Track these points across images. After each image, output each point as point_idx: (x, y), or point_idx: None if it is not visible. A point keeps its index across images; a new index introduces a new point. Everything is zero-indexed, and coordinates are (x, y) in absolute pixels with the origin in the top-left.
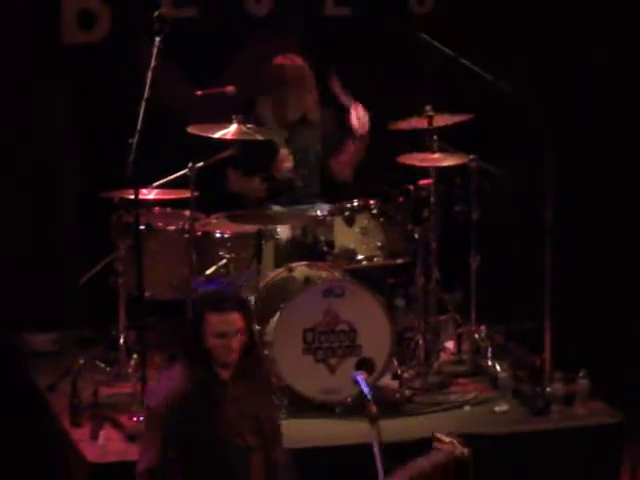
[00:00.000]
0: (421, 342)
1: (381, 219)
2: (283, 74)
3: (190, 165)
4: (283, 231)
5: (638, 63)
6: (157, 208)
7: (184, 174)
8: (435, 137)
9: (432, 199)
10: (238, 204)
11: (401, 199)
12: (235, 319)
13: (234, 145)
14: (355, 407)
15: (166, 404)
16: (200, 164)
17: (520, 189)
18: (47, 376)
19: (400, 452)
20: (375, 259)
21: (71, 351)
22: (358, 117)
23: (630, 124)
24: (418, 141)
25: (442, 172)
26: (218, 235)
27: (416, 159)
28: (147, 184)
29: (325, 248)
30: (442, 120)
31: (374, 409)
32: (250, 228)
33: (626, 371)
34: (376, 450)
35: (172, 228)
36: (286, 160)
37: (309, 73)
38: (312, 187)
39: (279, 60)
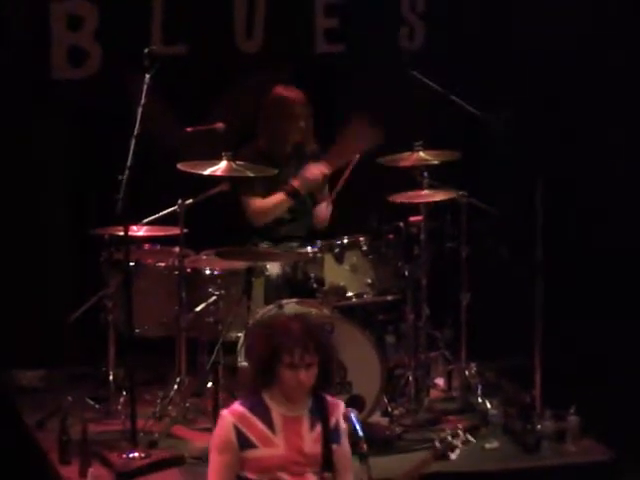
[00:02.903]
0: (411, 379)
1: (371, 256)
2: (289, 106)
3: (179, 202)
4: (273, 268)
5: (629, 98)
6: (147, 245)
7: (173, 211)
8: (425, 174)
9: (422, 236)
10: (228, 239)
11: (391, 236)
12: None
13: (225, 181)
14: None
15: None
16: (189, 201)
17: (510, 225)
18: (36, 413)
19: None
20: (365, 296)
21: (60, 388)
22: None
23: (621, 159)
24: (408, 178)
25: (432, 209)
26: (208, 272)
27: (406, 196)
28: (137, 221)
29: (315, 285)
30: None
31: (364, 447)
32: (240, 265)
33: (617, 408)
34: None
35: (162, 265)
36: (313, 174)
37: (310, 107)
38: (303, 223)
39: (282, 92)
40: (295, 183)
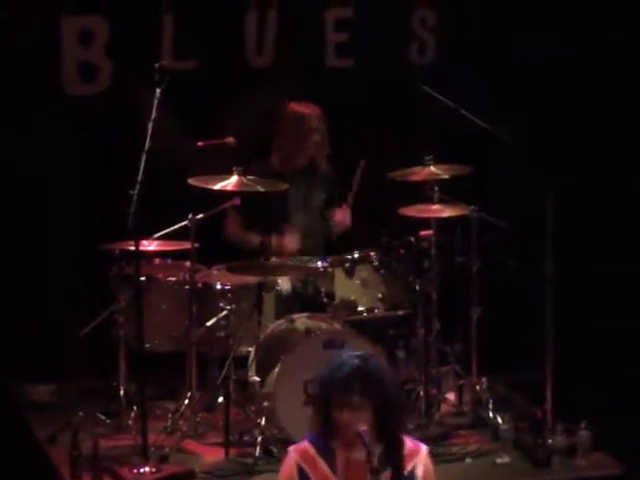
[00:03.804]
0: (422, 394)
1: (382, 270)
2: (304, 121)
3: (190, 217)
4: (284, 282)
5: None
6: (158, 259)
7: (184, 225)
8: (436, 188)
9: (433, 250)
10: (237, 254)
11: (402, 251)
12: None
13: (236, 195)
14: None
15: None
16: (200, 215)
17: (520, 238)
18: (47, 427)
19: None
20: (376, 310)
21: (71, 403)
22: (342, 218)
23: (629, 171)
24: (418, 192)
25: (442, 223)
26: (219, 286)
27: (416, 210)
28: (147, 235)
29: (326, 299)
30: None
31: (375, 462)
32: (251, 279)
33: (628, 422)
34: None
35: (173, 279)
36: (291, 243)
37: (324, 121)
38: (314, 237)
39: (297, 108)
40: (273, 241)
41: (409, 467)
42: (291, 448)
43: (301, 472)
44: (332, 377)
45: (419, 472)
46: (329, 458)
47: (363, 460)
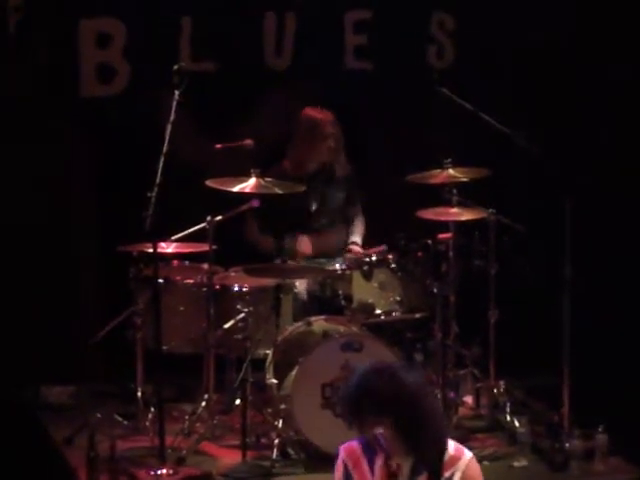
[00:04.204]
0: (439, 397)
1: (399, 273)
2: (317, 126)
3: (208, 218)
4: (301, 285)
5: None
6: (175, 261)
7: (202, 227)
8: (454, 191)
9: (451, 253)
10: (255, 256)
11: (419, 253)
12: None
13: (255, 197)
14: None
15: None
16: (218, 218)
17: (539, 243)
18: (64, 429)
19: None
20: (393, 313)
21: (88, 404)
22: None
23: None
24: (437, 195)
25: (461, 226)
26: (236, 289)
27: (434, 213)
28: (165, 237)
29: (343, 302)
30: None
31: (393, 465)
32: (268, 282)
33: None
34: None
35: (190, 282)
36: (305, 248)
37: (338, 127)
38: (334, 238)
39: (310, 113)
40: (286, 243)
41: (447, 474)
42: (341, 447)
43: (346, 472)
44: (346, 398)
45: (457, 479)
46: (372, 459)
47: (400, 464)
